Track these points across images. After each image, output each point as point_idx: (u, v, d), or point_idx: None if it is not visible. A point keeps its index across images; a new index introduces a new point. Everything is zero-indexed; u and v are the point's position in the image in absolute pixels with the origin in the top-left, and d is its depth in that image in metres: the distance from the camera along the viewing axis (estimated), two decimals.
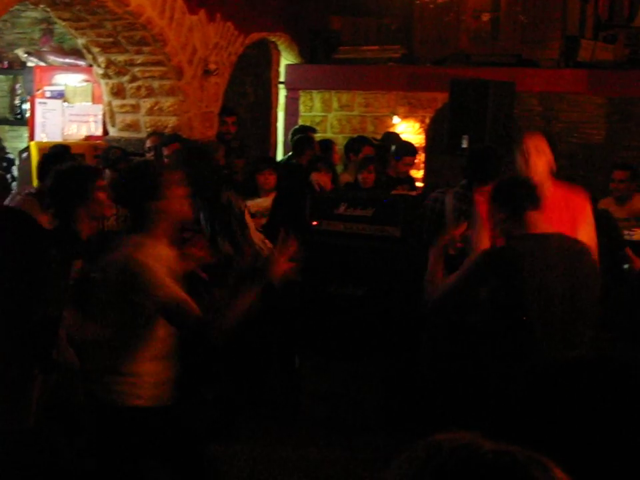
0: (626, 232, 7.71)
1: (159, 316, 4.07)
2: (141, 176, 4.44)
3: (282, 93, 12.45)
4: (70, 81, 10.54)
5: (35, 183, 7.88)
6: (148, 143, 8.69)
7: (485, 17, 11.66)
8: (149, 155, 8.61)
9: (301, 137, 9.39)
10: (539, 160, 5.39)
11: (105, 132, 9.93)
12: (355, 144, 9.50)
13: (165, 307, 4.03)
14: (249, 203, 7.17)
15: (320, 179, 7.90)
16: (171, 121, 9.42)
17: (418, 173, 10.90)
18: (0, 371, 4.59)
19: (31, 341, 4.56)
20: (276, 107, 12.46)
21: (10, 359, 4.59)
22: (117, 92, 9.43)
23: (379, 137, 11.00)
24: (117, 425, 4.22)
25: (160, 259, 4.11)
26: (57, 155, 7.45)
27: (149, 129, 9.36)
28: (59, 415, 4.87)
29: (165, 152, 7.81)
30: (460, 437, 1.34)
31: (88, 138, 10.10)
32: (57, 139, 9.87)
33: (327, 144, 9.75)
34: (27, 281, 4.60)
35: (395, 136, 10.54)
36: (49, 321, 4.63)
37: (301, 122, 11.71)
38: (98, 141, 9.87)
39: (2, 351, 4.60)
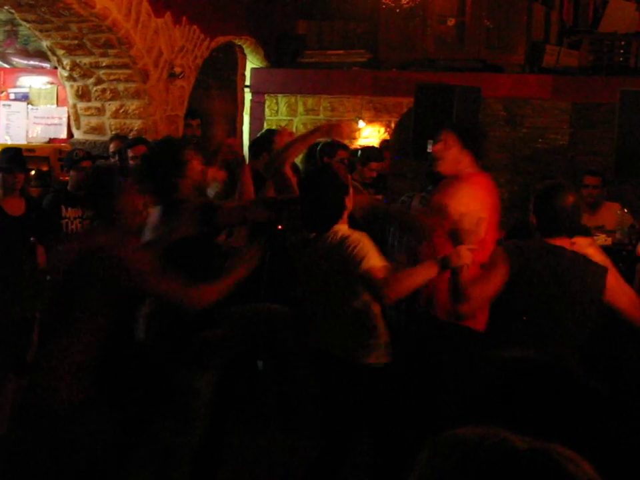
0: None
1: None
2: (167, 152, 4.70)
3: (247, 96, 12.44)
4: (34, 83, 10.48)
5: None
6: (111, 147, 8.62)
7: (451, 22, 11.71)
8: (114, 159, 8.56)
9: (258, 137, 9.30)
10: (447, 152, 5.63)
11: (70, 135, 9.88)
12: (330, 148, 9.44)
13: None
14: None
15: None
16: (137, 124, 9.38)
17: None
18: None
19: (5, 344, 4.54)
20: (242, 110, 12.44)
21: None
22: (82, 94, 9.38)
23: (344, 141, 11.00)
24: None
25: None
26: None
27: (114, 132, 9.32)
28: (32, 420, 4.84)
29: (130, 154, 7.77)
30: (488, 433, 1.35)
31: (52, 141, 10.05)
32: (21, 141, 9.81)
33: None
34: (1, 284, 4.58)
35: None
36: (24, 322, 4.61)
37: (266, 126, 11.69)
38: (62, 144, 9.82)
39: None
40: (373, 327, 4.81)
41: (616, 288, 4.49)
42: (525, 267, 4.47)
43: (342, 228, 4.76)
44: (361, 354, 4.79)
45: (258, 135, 8.70)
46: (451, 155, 5.60)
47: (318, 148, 8.14)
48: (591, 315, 4.48)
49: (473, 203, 5.28)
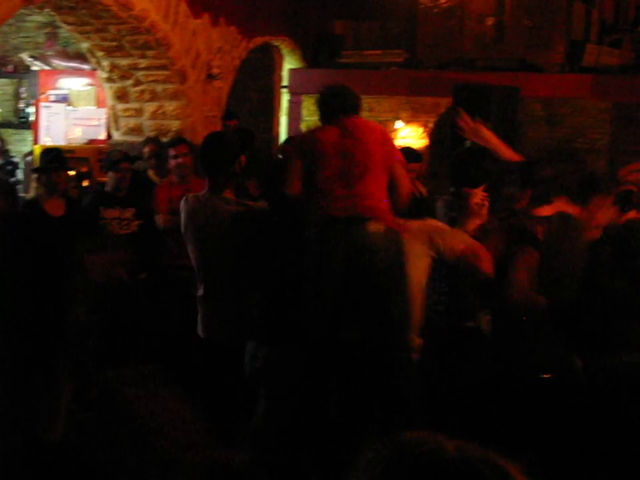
0: None
1: None
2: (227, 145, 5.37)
3: (285, 97, 12.45)
4: (74, 84, 10.54)
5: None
6: (146, 151, 8.55)
7: (489, 22, 11.65)
8: (152, 162, 8.54)
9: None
10: None
11: (109, 136, 9.94)
12: None
13: None
14: None
15: None
16: (174, 125, 9.42)
17: None
18: (28, 380, 4.57)
19: (60, 348, 4.55)
20: (279, 111, 12.45)
21: (38, 367, 4.58)
22: (121, 96, 9.43)
23: None
24: None
25: None
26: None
27: (152, 133, 9.36)
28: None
29: (172, 152, 7.75)
30: (427, 438, 1.37)
31: (92, 142, 10.11)
32: (61, 142, 9.88)
33: None
34: (47, 289, 4.60)
35: None
36: (78, 327, 4.64)
37: (303, 126, 11.70)
38: (101, 145, 9.88)
39: (29, 360, 4.58)
40: None
41: None
42: None
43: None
44: None
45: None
46: None
47: None
48: None
49: None
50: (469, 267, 5.14)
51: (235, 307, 5.34)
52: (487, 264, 5.14)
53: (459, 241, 5.18)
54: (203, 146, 5.70)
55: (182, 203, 5.61)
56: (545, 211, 5.38)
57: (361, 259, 5.03)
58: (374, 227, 5.11)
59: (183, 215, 5.55)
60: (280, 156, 6.39)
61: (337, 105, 5.88)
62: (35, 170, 8.10)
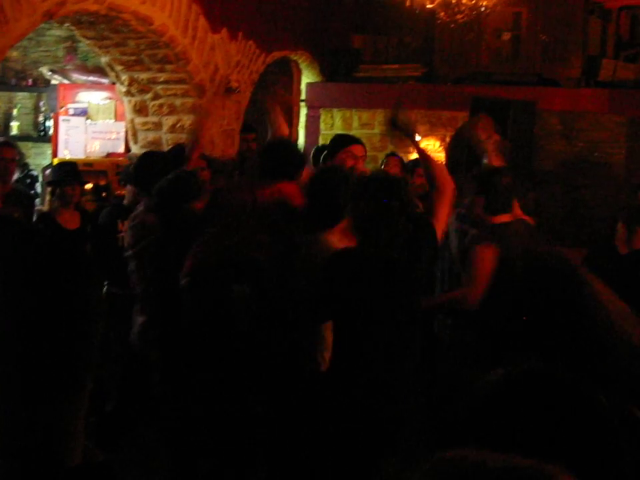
0: None
1: None
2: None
3: (303, 111, 12.50)
4: (93, 98, 10.63)
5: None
6: None
7: (506, 36, 11.70)
8: None
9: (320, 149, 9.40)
10: None
11: (127, 149, 10.00)
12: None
13: None
14: None
15: None
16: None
17: None
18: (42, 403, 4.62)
19: (74, 365, 4.59)
20: (297, 125, 12.51)
21: (53, 386, 4.63)
22: (140, 109, 9.49)
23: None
24: None
25: None
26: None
27: (170, 147, 9.42)
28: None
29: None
30: (468, 454, 1.36)
31: (110, 155, 10.19)
32: (80, 155, 9.96)
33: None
34: (59, 307, 4.63)
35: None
36: (93, 346, 4.68)
37: (321, 140, 11.75)
38: (120, 158, 9.95)
39: (44, 378, 4.63)
40: None
41: None
42: None
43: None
44: None
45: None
46: None
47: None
48: None
49: None
50: None
51: None
52: None
53: None
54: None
55: None
56: (504, 218, 5.44)
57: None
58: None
59: None
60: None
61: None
62: (49, 183, 8.14)
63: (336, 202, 4.88)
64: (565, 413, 1.66)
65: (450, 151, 11.20)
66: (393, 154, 9.72)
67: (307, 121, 12.36)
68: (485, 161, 6.57)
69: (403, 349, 4.51)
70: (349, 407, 4.42)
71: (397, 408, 4.44)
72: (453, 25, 8.73)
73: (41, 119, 11.29)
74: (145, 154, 6.55)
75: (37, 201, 9.65)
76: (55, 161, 9.67)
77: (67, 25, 8.55)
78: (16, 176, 8.08)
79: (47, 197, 8.98)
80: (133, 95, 9.41)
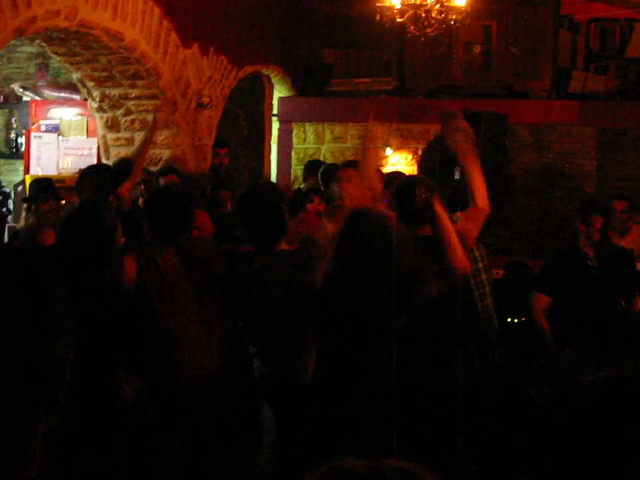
0: None
1: None
2: None
3: (275, 125, 12.52)
4: (65, 114, 10.61)
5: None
6: None
7: (477, 49, 11.76)
8: (139, 188, 8.63)
9: (313, 163, 9.52)
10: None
11: None
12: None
13: None
14: None
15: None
16: (165, 154, 9.47)
17: None
18: (6, 413, 4.58)
19: (37, 383, 4.56)
20: (269, 139, 12.52)
21: (16, 399, 4.60)
22: (112, 125, 9.48)
23: None
24: None
25: None
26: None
27: (116, 160, 9.40)
28: (62, 461, 4.90)
29: (162, 181, 7.84)
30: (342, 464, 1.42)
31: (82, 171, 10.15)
32: (52, 172, 9.93)
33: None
34: (33, 322, 4.62)
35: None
36: (56, 362, 4.65)
37: (294, 154, 11.77)
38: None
39: (8, 392, 4.59)
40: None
41: None
42: None
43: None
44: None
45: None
46: None
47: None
48: None
49: None
50: None
51: None
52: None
53: None
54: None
55: None
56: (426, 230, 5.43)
57: None
58: None
59: None
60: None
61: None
62: (25, 200, 8.11)
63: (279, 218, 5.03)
64: None
65: (422, 162, 11.26)
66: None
67: (279, 135, 12.37)
68: (457, 175, 6.59)
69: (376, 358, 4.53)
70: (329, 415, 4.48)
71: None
72: (423, 39, 8.77)
73: (12, 135, 11.24)
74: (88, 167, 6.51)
75: (10, 217, 9.61)
76: (27, 178, 9.64)
77: (38, 41, 8.53)
78: None
79: (23, 214, 8.93)
80: (104, 111, 9.40)
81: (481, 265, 5.99)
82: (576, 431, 1.65)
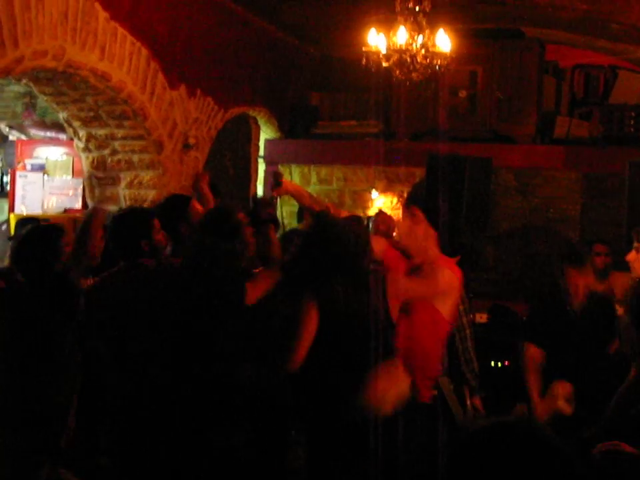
0: None
1: None
2: None
3: (261, 167, 12.56)
4: (51, 154, 10.62)
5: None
6: None
7: (462, 94, 11.84)
8: None
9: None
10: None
11: (85, 205, 9.98)
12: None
13: None
14: None
15: None
16: (151, 194, 9.47)
17: None
18: (7, 460, 4.54)
19: (40, 429, 4.53)
20: (255, 180, 12.55)
21: (19, 447, 4.55)
22: (97, 165, 9.48)
23: (357, 211, 11.14)
24: None
25: None
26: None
27: (128, 202, 9.42)
28: None
29: None
30: None
31: (68, 211, 10.15)
32: (37, 211, 9.92)
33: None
34: (33, 365, 4.59)
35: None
36: (58, 408, 4.62)
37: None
38: (77, 214, 9.91)
39: (8, 439, 4.55)
40: None
41: None
42: None
43: None
44: None
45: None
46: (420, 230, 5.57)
47: None
48: None
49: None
50: None
51: None
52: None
53: None
54: None
55: None
56: None
57: None
58: None
59: None
60: None
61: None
62: (11, 238, 8.11)
63: None
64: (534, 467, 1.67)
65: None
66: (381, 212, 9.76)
67: (266, 176, 12.41)
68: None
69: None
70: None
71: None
72: (408, 83, 8.82)
73: None
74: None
75: None
76: (12, 217, 9.63)
77: (24, 81, 8.56)
78: None
79: (8, 253, 8.91)
80: (90, 151, 9.41)
81: (460, 307, 5.98)
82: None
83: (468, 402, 6.04)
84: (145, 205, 9.22)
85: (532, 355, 6.63)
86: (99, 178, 9.55)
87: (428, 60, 8.27)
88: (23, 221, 8.20)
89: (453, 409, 5.62)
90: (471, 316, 6.24)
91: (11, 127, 11.00)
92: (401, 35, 8.24)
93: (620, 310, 7.38)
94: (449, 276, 5.32)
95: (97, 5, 7.73)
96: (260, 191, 12.49)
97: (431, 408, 5.43)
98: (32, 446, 4.60)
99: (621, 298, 7.71)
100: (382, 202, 11.79)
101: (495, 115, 11.70)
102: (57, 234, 5.46)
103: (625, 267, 8.70)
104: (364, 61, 8.44)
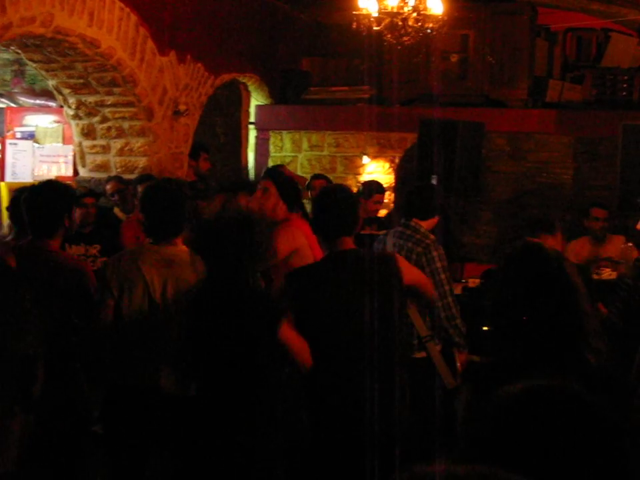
0: (595, 271, 7.73)
1: None
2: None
3: (252, 133, 12.51)
4: (41, 122, 10.56)
5: (5, 221, 7.89)
6: (109, 188, 8.71)
7: (454, 58, 11.79)
8: (114, 199, 8.66)
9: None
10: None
11: (76, 172, 9.94)
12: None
13: None
14: None
15: None
16: (141, 162, 9.44)
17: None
18: None
19: (11, 379, 4.53)
20: (246, 147, 12.51)
21: None
22: (88, 133, 9.44)
23: (349, 177, 11.13)
24: None
25: None
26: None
27: (119, 170, 9.38)
28: (40, 456, 4.87)
29: (140, 189, 7.79)
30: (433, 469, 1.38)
31: (58, 178, 10.10)
32: (27, 179, 9.86)
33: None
34: (1, 320, 4.58)
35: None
36: (27, 358, 4.61)
37: (271, 162, 11.76)
38: (68, 182, 9.87)
39: None
40: None
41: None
42: None
43: None
44: None
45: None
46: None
47: None
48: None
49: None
50: (419, 294, 5.09)
51: None
52: (432, 289, 5.18)
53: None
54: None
55: None
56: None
57: None
58: None
59: None
60: None
61: None
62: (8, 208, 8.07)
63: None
64: (579, 431, 1.65)
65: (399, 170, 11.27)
66: (318, 176, 9.75)
67: (257, 143, 12.37)
68: (434, 181, 6.56)
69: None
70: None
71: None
72: (400, 47, 8.76)
73: None
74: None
75: None
76: (2, 185, 9.58)
77: (13, 48, 8.49)
78: None
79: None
80: (80, 118, 9.36)
81: (439, 264, 5.98)
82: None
83: (458, 364, 6.04)
84: (136, 172, 9.19)
85: None
86: (89, 145, 9.51)
87: (420, 23, 8.22)
88: (21, 190, 8.15)
89: (442, 373, 5.63)
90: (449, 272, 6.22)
91: (0, 95, 10.93)
92: None
93: (613, 275, 7.39)
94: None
95: None
96: (251, 158, 12.45)
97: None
98: (3, 397, 4.61)
99: (619, 260, 7.69)
100: (374, 167, 11.76)
101: (486, 79, 11.65)
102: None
103: (620, 231, 8.69)
104: (355, 24, 8.39)
